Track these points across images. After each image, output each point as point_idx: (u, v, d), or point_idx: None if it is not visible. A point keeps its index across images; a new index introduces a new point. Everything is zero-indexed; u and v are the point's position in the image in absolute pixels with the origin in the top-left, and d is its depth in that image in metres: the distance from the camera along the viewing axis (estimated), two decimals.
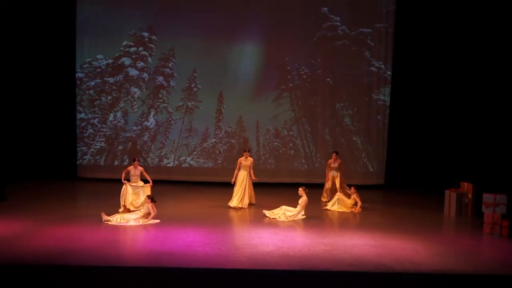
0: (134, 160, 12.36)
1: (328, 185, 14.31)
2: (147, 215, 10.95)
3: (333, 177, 14.22)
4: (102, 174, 17.21)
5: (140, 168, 12.16)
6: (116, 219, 10.78)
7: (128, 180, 12.06)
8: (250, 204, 13.24)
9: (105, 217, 10.79)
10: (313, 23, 17.10)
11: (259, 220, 11.58)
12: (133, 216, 10.94)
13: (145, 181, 12.08)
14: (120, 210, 11.60)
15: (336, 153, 14.54)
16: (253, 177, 13.38)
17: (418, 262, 8.43)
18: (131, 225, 10.60)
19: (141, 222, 10.76)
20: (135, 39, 17.13)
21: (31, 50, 16.42)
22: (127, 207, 11.69)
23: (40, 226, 10.18)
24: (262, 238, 9.70)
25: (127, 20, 17.01)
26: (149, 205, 10.99)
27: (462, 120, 15.71)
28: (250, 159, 13.44)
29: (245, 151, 13.57)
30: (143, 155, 17.11)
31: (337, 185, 14.05)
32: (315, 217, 12.05)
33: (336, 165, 14.27)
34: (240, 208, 12.96)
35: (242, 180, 13.21)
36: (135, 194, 11.87)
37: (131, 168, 12.10)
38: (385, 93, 17.26)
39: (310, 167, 17.24)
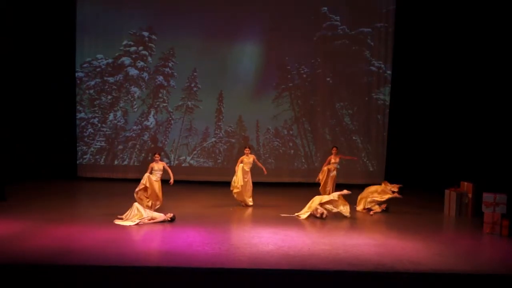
0: (154, 155, 12.16)
1: (322, 179, 13.72)
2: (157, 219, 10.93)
3: (333, 176, 13.78)
4: (102, 174, 17.23)
5: (163, 163, 12.01)
6: (134, 214, 10.77)
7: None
8: (246, 205, 13.14)
9: (120, 217, 10.83)
10: (313, 22, 17.13)
11: (259, 219, 11.57)
12: (147, 213, 10.90)
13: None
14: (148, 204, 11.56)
15: (337, 147, 14.18)
16: (264, 171, 13.30)
17: (418, 261, 8.43)
18: (138, 224, 10.63)
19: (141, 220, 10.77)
20: (135, 38, 17.14)
21: (31, 50, 16.42)
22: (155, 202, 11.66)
23: (40, 226, 10.17)
24: (262, 238, 9.70)
25: (127, 20, 17.03)
26: (166, 219, 10.96)
27: (462, 119, 15.70)
28: (251, 156, 13.35)
29: (245, 148, 13.48)
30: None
31: (332, 186, 13.59)
32: (315, 216, 12.05)
33: (337, 160, 13.80)
34: (236, 192, 12.98)
35: (244, 175, 13.07)
36: (153, 183, 11.74)
37: (153, 164, 11.87)
38: (385, 93, 17.27)
39: (310, 167, 17.24)
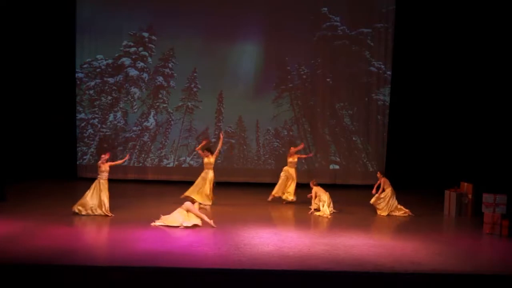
0: (105, 153, 11.71)
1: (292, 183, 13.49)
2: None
3: (290, 175, 13.48)
4: None
5: (109, 163, 11.52)
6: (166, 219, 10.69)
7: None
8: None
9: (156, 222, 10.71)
10: (313, 23, 17.12)
11: (259, 220, 11.57)
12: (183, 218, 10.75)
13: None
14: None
15: (293, 147, 13.94)
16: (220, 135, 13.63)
17: (418, 262, 8.43)
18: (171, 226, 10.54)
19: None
20: (135, 39, 17.14)
21: (31, 50, 16.41)
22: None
23: (40, 226, 10.18)
24: (262, 238, 9.70)
25: (127, 20, 17.02)
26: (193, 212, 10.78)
27: (462, 120, 15.73)
28: (212, 156, 13.23)
29: (204, 151, 13.25)
30: (144, 153, 17.06)
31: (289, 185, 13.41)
32: (314, 216, 12.05)
33: (295, 160, 13.58)
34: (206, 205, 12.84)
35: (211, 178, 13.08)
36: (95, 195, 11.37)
37: (99, 164, 11.47)
38: (385, 93, 17.27)
39: (310, 167, 17.22)
